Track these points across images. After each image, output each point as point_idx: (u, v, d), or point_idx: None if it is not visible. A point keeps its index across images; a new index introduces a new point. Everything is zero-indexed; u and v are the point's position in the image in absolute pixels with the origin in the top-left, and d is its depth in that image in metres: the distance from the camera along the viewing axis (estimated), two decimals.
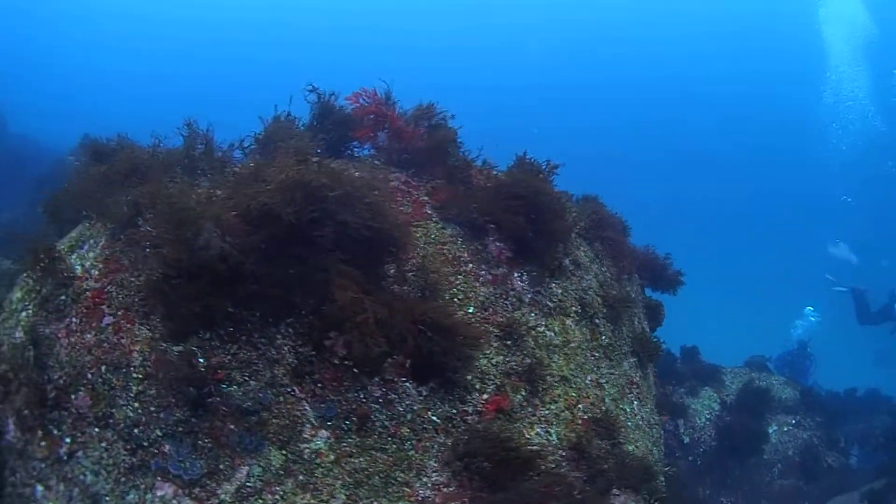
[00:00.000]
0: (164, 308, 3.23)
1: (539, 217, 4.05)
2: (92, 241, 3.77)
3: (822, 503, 7.05)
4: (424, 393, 3.54)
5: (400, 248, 3.36)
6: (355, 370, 3.41)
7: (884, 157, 25.08)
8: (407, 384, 3.50)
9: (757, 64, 38.80)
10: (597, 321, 4.39)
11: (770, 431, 7.58)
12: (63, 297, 3.55)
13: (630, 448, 4.06)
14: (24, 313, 3.69)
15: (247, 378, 3.30)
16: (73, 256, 3.73)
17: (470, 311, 3.83)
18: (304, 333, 3.40)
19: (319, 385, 3.36)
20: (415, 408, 3.50)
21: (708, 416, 7.65)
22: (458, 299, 3.82)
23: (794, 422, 7.88)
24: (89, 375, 3.34)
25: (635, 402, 4.38)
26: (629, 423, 4.23)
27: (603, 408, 4.10)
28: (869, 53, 24.78)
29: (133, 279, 3.47)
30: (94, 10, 45.31)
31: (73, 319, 3.46)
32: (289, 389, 3.33)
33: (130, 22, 45.56)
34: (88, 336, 3.40)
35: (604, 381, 4.24)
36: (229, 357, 3.31)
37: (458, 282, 3.87)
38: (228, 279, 3.21)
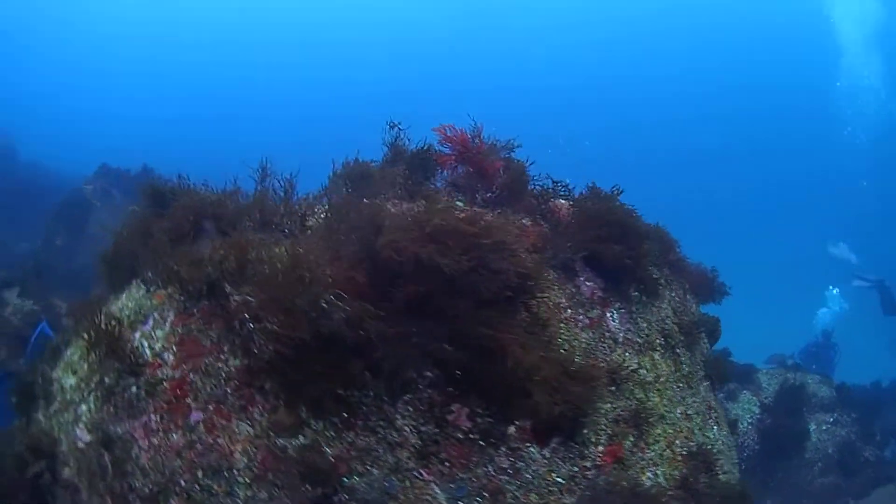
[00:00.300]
0: (284, 394, 2.65)
1: (631, 242, 3.72)
2: (157, 316, 3.05)
3: (862, 497, 7.21)
4: (547, 455, 3.14)
5: (534, 296, 2.95)
6: (481, 443, 2.95)
7: None
8: (532, 449, 3.08)
9: (767, 54, 35.49)
10: (678, 351, 4.10)
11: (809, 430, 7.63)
12: (134, 389, 2.85)
13: (722, 478, 3.85)
14: (83, 406, 2.96)
15: (369, 467, 2.76)
16: (137, 335, 3.01)
17: (577, 360, 3.42)
18: (424, 410, 2.89)
19: (447, 464, 2.87)
20: (540, 472, 3.09)
21: (749, 421, 7.58)
22: (565, 349, 3.41)
23: (831, 420, 7.91)
24: (182, 482, 2.69)
25: (715, 427, 4.16)
26: (713, 450, 4.01)
27: (695, 440, 3.85)
28: (879, 38, 23.67)
29: (220, 365, 2.82)
30: (76, 34, 41.28)
31: (152, 416, 2.78)
32: (415, 473, 2.82)
33: (116, 44, 41.64)
34: (175, 436, 2.74)
35: (690, 411, 3.98)
36: (347, 446, 2.76)
37: (561, 331, 3.45)
38: (353, 351, 2.67)
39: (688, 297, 4.59)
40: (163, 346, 2.93)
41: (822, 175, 31.68)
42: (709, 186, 36.50)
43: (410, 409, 2.88)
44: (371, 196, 3.28)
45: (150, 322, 3.05)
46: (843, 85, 24.63)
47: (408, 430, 2.86)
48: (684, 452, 3.72)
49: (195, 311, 2.99)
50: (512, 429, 3.04)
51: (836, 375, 9.70)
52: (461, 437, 2.93)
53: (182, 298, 3.03)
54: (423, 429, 2.88)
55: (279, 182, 3.36)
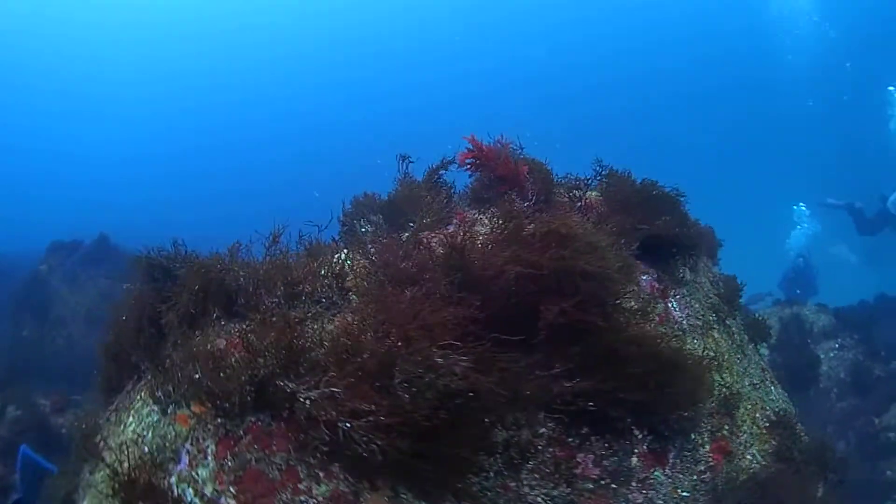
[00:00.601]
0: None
1: (670, 211, 3.50)
2: (191, 448, 2.30)
3: (883, 413, 7.51)
4: (669, 473, 2.79)
5: (620, 295, 2.61)
6: (613, 486, 2.54)
7: (840, 60, 23.41)
8: (657, 473, 2.72)
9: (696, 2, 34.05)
10: (727, 322, 3.92)
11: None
12: None
13: (804, 438, 3.73)
14: None
15: None
16: (173, 480, 2.25)
17: None
18: (551, 472, 2.42)
19: None
20: (668, 492, 2.75)
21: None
22: None
23: (837, 345, 8.22)
24: None
25: (773, 388, 4.04)
26: (784, 412, 3.88)
27: (769, 408, 3.69)
28: None
29: (303, 498, 2.15)
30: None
31: None
32: None
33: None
34: None
35: (755, 380, 3.82)
36: None
37: None
38: (472, 415, 2.15)
39: (709, 262, 4.43)
40: (215, 489, 2.20)
41: (769, 103, 31.37)
42: (664, 135, 36.08)
43: (537, 475, 2.40)
44: (419, 226, 2.73)
45: (185, 458, 2.30)
46: (775, 13, 24.47)
47: (540, 500, 2.38)
48: (766, 424, 3.55)
49: (241, 432, 2.28)
50: (634, 460, 2.67)
51: (817, 297, 9.88)
52: (592, 486, 2.50)
53: (220, 420, 2.30)
54: (554, 493, 2.41)
55: (297, 236, 2.69)
